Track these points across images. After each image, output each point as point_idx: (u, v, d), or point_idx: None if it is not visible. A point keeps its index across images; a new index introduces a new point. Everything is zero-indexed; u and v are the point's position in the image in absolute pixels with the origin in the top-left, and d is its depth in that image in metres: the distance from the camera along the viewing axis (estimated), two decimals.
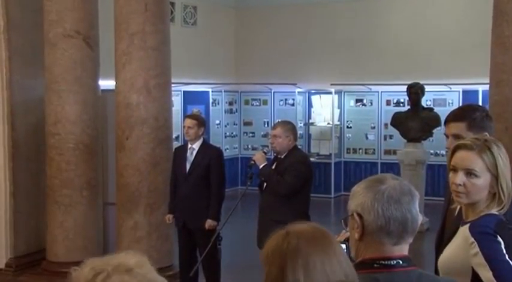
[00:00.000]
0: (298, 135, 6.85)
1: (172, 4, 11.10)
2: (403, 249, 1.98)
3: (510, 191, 2.54)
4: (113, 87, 6.85)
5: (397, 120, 9.77)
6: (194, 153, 6.14)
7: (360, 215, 1.95)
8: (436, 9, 11.81)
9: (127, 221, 6.66)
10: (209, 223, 5.95)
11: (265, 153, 5.67)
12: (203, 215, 5.98)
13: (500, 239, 2.44)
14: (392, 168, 11.12)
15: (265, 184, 5.55)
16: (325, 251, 1.63)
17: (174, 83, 7.52)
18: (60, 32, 6.77)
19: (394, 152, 10.72)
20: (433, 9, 11.84)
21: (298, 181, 5.38)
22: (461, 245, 2.53)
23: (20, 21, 7.34)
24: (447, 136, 3.21)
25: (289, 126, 5.58)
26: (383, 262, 1.95)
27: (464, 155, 2.55)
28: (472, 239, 2.46)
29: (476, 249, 2.44)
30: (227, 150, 12.86)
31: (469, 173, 2.53)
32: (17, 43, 7.31)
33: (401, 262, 1.96)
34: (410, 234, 1.97)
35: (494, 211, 2.53)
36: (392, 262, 1.95)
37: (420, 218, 2.00)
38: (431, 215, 8.69)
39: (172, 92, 7.39)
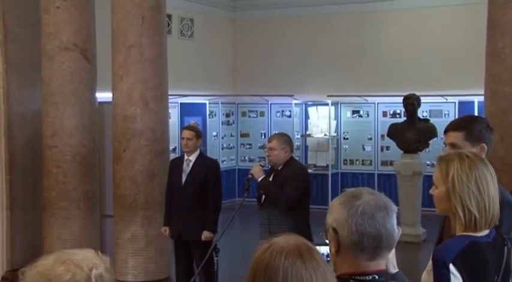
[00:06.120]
0: (295, 147, 6.87)
1: (169, 16, 11.13)
2: (380, 264, 1.99)
3: (479, 211, 2.42)
4: (110, 100, 6.87)
5: (394, 131, 9.80)
6: (191, 165, 6.15)
7: (335, 230, 1.97)
8: (432, 21, 11.87)
9: (124, 233, 6.65)
10: (205, 234, 5.95)
11: (261, 166, 5.67)
12: (199, 226, 5.98)
13: (454, 269, 2.34)
14: (389, 179, 11.14)
15: (263, 197, 5.53)
16: (309, 266, 1.62)
17: (171, 95, 7.53)
18: (57, 45, 6.79)
19: (391, 163, 10.74)
20: (429, 21, 11.90)
21: (298, 192, 5.37)
22: (429, 267, 2.46)
23: (17, 34, 7.36)
24: (446, 145, 3.24)
25: (285, 138, 5.59)
26: (359, 277, 1.96)
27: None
28: (431, 266, 2.41)
29: (432, 276, 2.39)
30: (224, 162, 12.86)
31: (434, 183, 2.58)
32: (14, 56, 7.32)
33: (377, 277, 1.96)
34: (386, 249, 1.98)
35: (467, 233, 2.43)
36: (368, 277, 1.96)
37: (397, 232, 2.00)
38: (428, 226, 8.68)
39: (170, 104, 7.40)
